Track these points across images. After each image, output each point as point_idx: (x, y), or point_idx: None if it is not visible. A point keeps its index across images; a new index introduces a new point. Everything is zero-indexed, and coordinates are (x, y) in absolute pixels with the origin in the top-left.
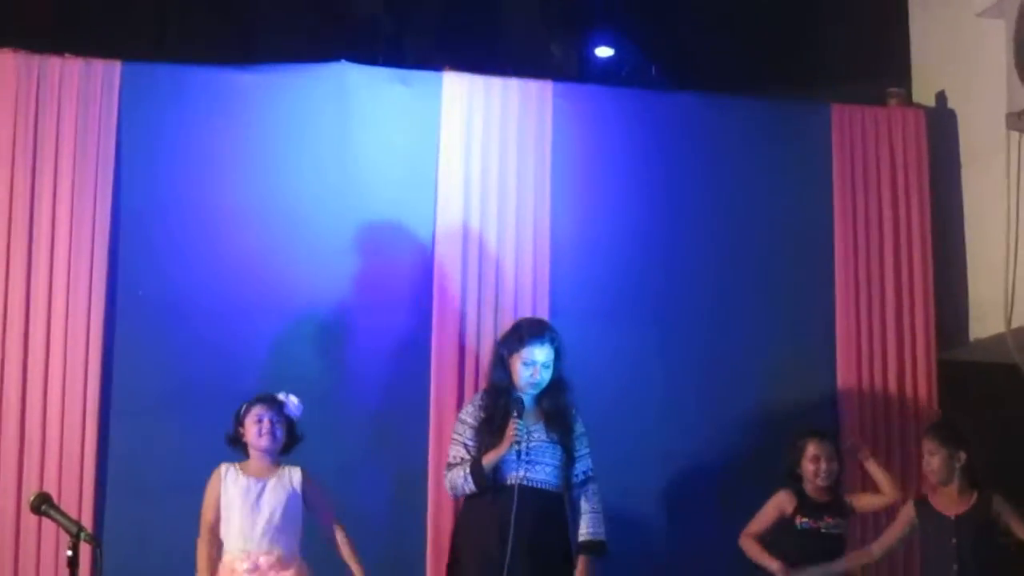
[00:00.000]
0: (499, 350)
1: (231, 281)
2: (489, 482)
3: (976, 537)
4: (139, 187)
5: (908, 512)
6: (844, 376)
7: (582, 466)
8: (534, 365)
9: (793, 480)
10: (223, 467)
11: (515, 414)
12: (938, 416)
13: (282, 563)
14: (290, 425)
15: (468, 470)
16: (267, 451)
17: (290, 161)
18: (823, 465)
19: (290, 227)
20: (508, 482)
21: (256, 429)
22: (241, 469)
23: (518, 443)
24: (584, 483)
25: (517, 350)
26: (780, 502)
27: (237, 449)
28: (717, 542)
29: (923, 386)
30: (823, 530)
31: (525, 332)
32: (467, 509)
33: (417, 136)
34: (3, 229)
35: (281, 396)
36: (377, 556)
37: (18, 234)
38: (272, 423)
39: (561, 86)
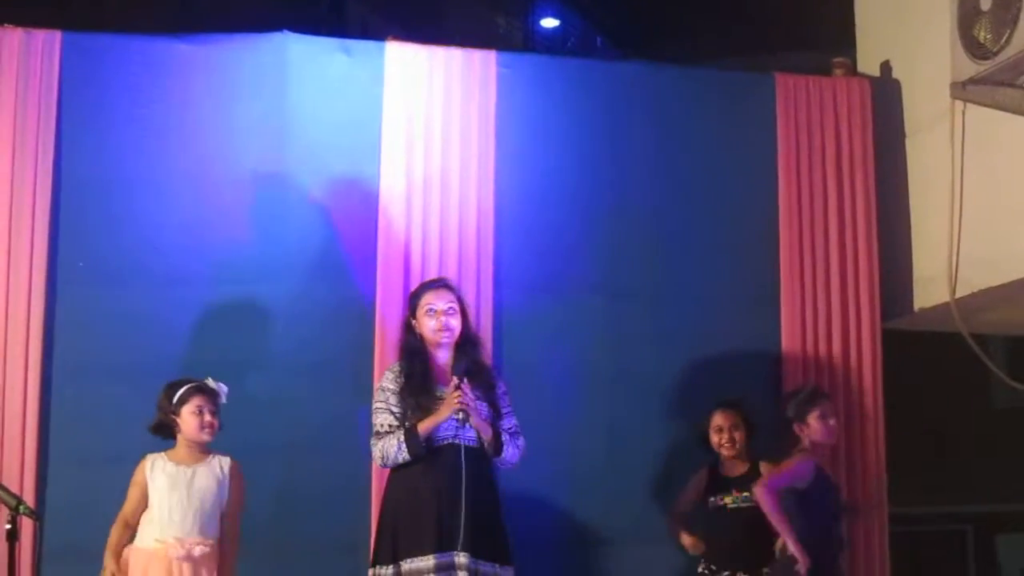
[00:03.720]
0: (405, 319)
1: (173, 251)
2: (423, 449)
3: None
4: (80, 157)
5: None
6: (788, 345)
7: (507, 423)
8: (436, 311)
9: (710, 455)
10: (148, 459)
11: (459, 378)
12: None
13: (213, 552)
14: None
15: (403, 437)
16: (204, 443)
17: (232, 131)
18: (725, 435)
19: (232, 197)
20: (440, 444)
21: (196, 422)
22: (169, 457)
23: (466, 412)
24: (513, 436)
25: (417, 305)
26: (697, 480)
27: (164, 437)
28: (661, 514)
29: (867, 355)
30: (731, 505)
31: (419, 288)
32: (400, 477)
33: (360, 106)
34: None
35: (212, 384)
36: (322, 538)
37: None
38: (212, 414)
39: (505, 56)
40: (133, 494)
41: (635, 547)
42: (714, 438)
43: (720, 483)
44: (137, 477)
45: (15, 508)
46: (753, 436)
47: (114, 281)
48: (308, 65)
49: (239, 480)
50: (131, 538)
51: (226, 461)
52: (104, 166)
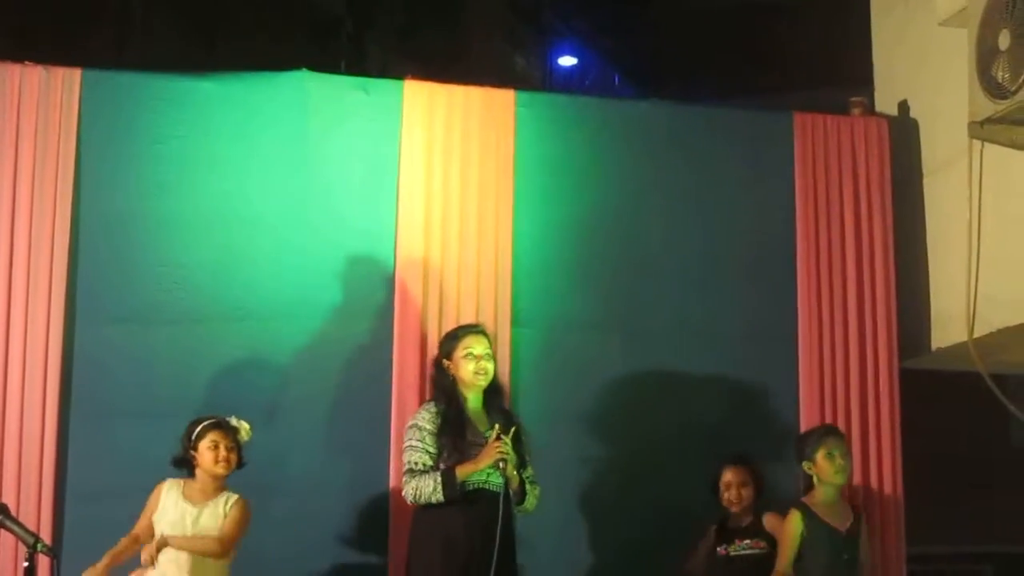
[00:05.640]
0: (438, 358)
1: (191, 289)
2: (458, 493)
3: (858, 552)
4: (99, 195)
5: (795, 521)
6: (806, 383)
7: (527, 472)
8: (475, 355)
9: (721, 511)
10: (167, 483)
11: (500, 430)
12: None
13: None
14: (239, 449)
15: (440, 479)
16: (220, 478)
17: (251, 169)
18: (734, 491)
19: (250, 235)
20: (472, 489)
21: (212, 456)
22: (184, 490)
23: (503, 462)
24: (532, 485)
25: (455, 348)
26: (706, 540)
27: (184, 471)
28: (672, 554)
29: (885, 394)
30: (732, 554)
31: (458, 330)
32: (431, 517)
33: (378, 145)
34: None
35: (234, 422)
36: (337, 566)
37: None
38: (228, 450)
39: (524, 95)
40: (145, 513)
41: None
42: (724, 494)
43: (726, 534)
44: (151, 498)
45: (33, 546)
46: (762, 491)
47: (132, 320)
48: (327, 103)
49: (237, 511)
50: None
51: (232, 498)
52: (123, 204)
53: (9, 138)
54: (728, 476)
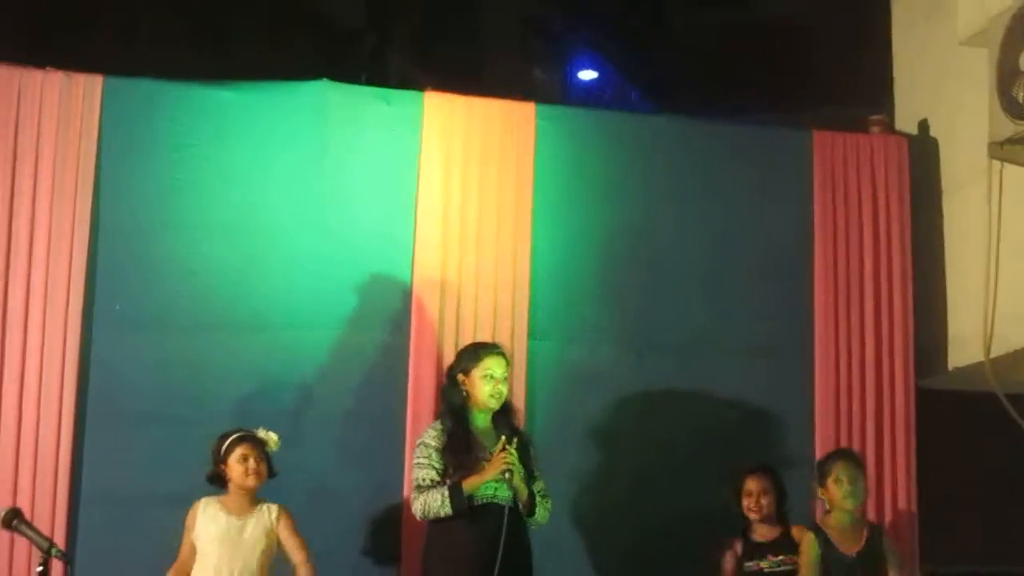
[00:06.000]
0: (453, 372)
1: (208, 297)
2: (465, 506)
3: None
4: (118, 202)
5: (811, 545)
6: (822, 402)
7: (538, 485)
8: (494, 378)
9: (741, 520)
10: (202, 502)
11: (506, 441)
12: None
13: None
14: (269, 460)
15: (447, 493)
16: (252, 490)
17: (270, 178)
18: (753, 499)
19: (268, 244)
20: (480, 503)
21: (242, 469)
22: (222, 505)
23: (510, 472)
24: (543, 498)
25: (474, 366)
26: (731, 554)
27: (217, 487)
28: (684, 566)
29: (901, 414)
30: (767, 570)
31: (480, 348)
32: (441, 531)
33: (398, 155)
34: None
35: (261, 434)
36: None
37: None
38: (258, 461)
39: (544, 107)
40: (187, 538)
41: None
42: (744, 502)
43: (755, 549)
44: (188, 522)
45: (47, 551)
46: (784, 501)
47: (149, 326)
48: (347, 113)
49: (287, 520)
50: None
51: (274, 508)
52: (142, 211)
53: (29, 143)
54: (750, 484)
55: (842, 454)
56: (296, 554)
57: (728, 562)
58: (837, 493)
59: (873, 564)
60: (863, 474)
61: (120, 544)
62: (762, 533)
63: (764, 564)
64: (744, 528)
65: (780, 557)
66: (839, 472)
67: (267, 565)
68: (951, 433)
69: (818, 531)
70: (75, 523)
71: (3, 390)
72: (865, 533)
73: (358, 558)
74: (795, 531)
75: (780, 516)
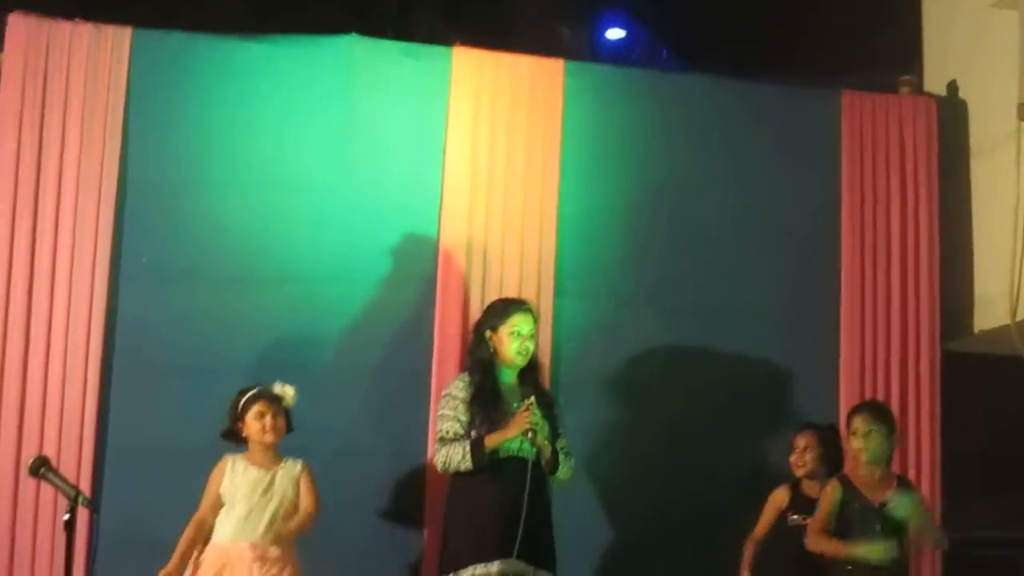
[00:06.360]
0: (481, 328)
1: (235, 251)
2: (486, 461)
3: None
4: (145, 154)
5: (833, 489)
6: (847, 364)
7: (561, 442)
8: (522, 335)
9: (793, 475)
10: (229, 459)
11: (531, 399)
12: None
13: (284, 557)
14: (287, 415)
15: (469, 448)
16: (271, 446)
17: (297, 132)
18: (797, 455)
19: (295, 199)
20: (505, 457)
21: (259, 426)
22: (249, 460)
23: (533, 431)
24: (567, 456)
25: (502, 323)
26: (776, 498)
27: (233, 443)
28: (707, 524)
29: (926, 376)
30: (803, 524)
31: (509, 305)
32: (464, 485)
33: (425, 111)
34: (8, 194)
35: (277, 389)
36: (375, 536)
37: (23, 199)
38: (275, 417)
39: (573, 64)
40: (210, 493)
41: (682, 557)
42: (791, 457)
43: (802, 502)
44: (215, 477)
45: (74, 499)
46: (836, 461)
47: (176, 279)
48: (374, 68)
49: (308, 474)
50: (204, 540)
51: (298, 464)
52: (169, 164)
53: (58, 96)
54: (797, 440)
55: (861, 407)
56: (306, 499)
57: (769, 510)
58: (854, 445)
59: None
60: (885, 427)
61: (144, 495)
62: (811, 489)
63: (809, 520)
64: (796, 482)
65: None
66: (856, 424)
67: (290, 518)
68: (976, 396)
69: (844, 479)
70: (100, 475)
71: (31, 342)
72: (893, 485)
73: (382, 514)
74: None
75: (830, 476)
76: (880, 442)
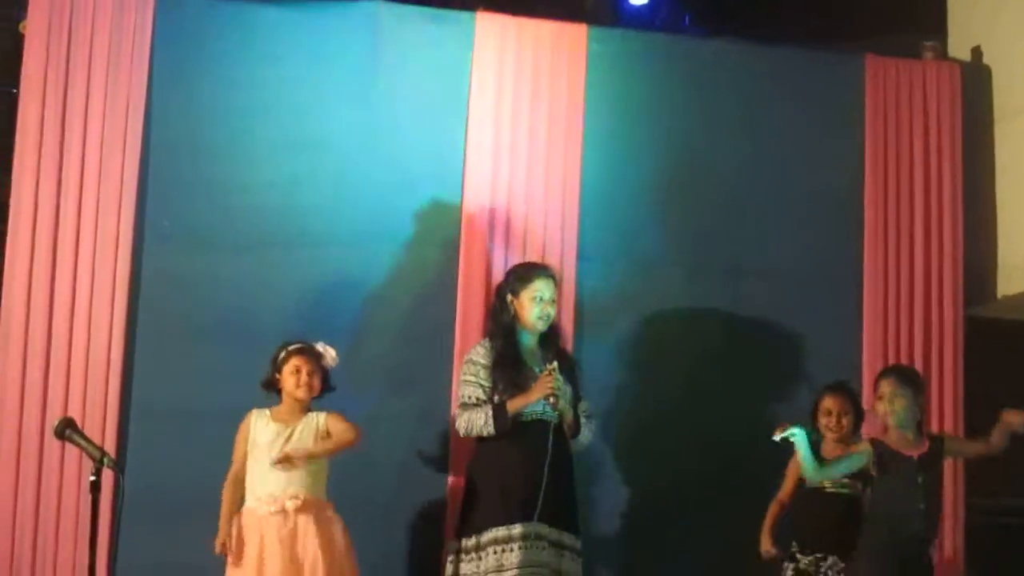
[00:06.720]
0: (502, 292)
1: (259, 212)
2: (508, 425)
3: (936, 480)
4: (169, 117)
5: (863, 448)
6: (870, 329)
7: (583, 405)
8: (543, 300)
9: (815, 434)
10: (253, 414)
11: (554, 364)
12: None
13: (308, 507)
14: (325, 375)
15: (491, 412)
16: (302, 401)
17: (320, 96)
18: (834, 419)
19: (318, 162)
20: (528, 420)
21: (294, 379)
22: (272, 416)
23: (556, 396)
24: (588, 419)
25: (524, 288)
26: (794, 464)
27: (271, 393)
28: (731, 486)
29: (949, 341)
30: (829, 488)
31: (530, 270)
32: (488, 448)
33: (448, 75)
34: (32, 156)
35: (320, 347)
36: (399, 498)
37: (48, 160)
38: (310, 375)
39: (596, 30)
40: (239, 448)
41: (704, 518)
42: (822, 420)
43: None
44: (242, 432)
45: (99, 460)
46: (861, 421)
47: (200, 241)
48: (397, 32)
49: (336, 417)
50: (243, 496)
51: (322, 416)
52: (194, 125)
53: (82, 57)
54: (828, 403)
55: (888, 371)
56: (343, 432)
57: (791, 475)
58: (880, 409)
59: (936, 465)
60: (912, 392)
61: (168, 457)
62: (829, 450)
63: (827, 482)
64: (814, 442)
65: (846, 479)
66: (883, 388)
67: (321, 469)
68: (999, 361)
69: (877, 441)
70: (125, 434)
71: (55, 304)
72: (927, 442)
73: (406, 476)
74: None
75: (851, 437)
76: (907, 406)
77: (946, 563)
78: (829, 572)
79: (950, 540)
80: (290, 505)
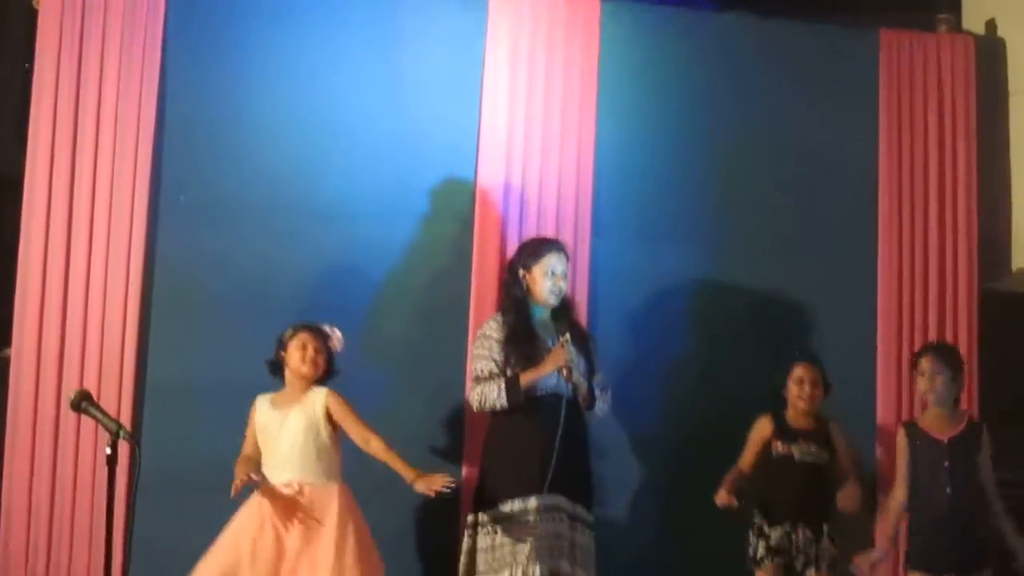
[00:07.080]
0: (514, 267)
1: (273, 188)
2: (521, 399)
3: (967, 461)
4: (184, 92)
5: (902, 441)
6: (885, 304)
7: (597, 377)
8: (555, 274)
9: (777, 403)
10: (259, 399)
11: (567, 336)
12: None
13: (318, 488)
14: (330, 356)
15: (504, 385)
16: (305, 378)
17: (336, 74)
18: (806, 388)
19: (333, 139)
20: (542, 394)
21: (299, 355)
22: (273, 400)
23: (568, 368)
24: (603, 391)
25: (536, 262)
26: (760, 427)
27: (277, 376)
28: None
29: (964, 315)
30: (797, 458)
31: (542, 244)
32: (502, 422)
33: (463, 50)
34: (47, 132)
35: (327, 328)
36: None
37: (62, 137)
38: (316, 351)
39: (609, 4)
40: (250, 432)
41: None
42: (794, 389)
43: (788, 432)
44: (251, 419)
45: (115, 432)
46: (828, 395)
47: (215, 217)
48: (411, 8)
49: (337, 403)
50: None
51: (320, 394)
52: (208, 101)
53: (95, 33)
54: (800, 372)
55: (927, 348)
56: (358, 432)
57: (754, 442)
58: (920, 387)
59: (966, 449)
60: (951, 370)
61: (183, 430)
62: (796, 420)
63: (795, 450)
64: (776, 411)
65: (812, 447)
66: (922, 366)
67: (323, 454)
68: (1015, 335)
69: (909, 424)
70: (141, 407)
71: (71, 279)
72: (965, 423)
73: (421, 451)
74: (832, 426)
75: (818, 409)
76: (946, 384)
77: None
78: (809, 549)
79: None
80: (308, 490)
